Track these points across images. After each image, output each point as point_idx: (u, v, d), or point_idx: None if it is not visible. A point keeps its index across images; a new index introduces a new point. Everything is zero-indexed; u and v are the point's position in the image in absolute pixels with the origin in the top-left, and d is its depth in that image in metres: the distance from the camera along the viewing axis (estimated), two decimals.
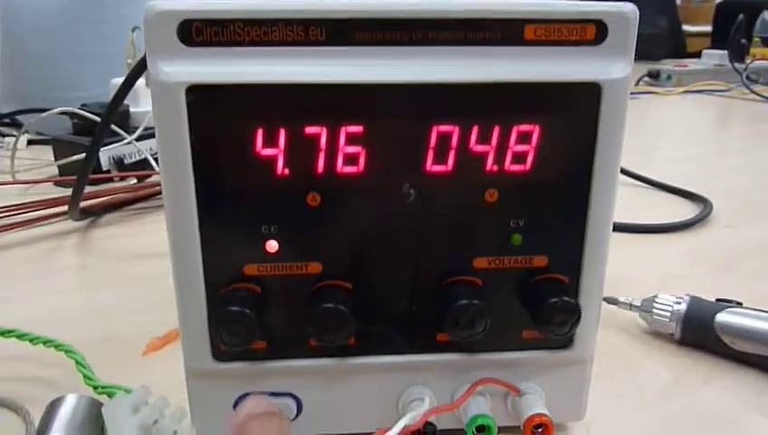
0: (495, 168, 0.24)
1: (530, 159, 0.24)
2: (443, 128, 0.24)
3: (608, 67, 0.23)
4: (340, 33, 0.23)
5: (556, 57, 0.23)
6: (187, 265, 0.24)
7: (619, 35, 0.23)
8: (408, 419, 0.25)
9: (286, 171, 0.24)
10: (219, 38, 0.22)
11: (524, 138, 0.24)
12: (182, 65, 0.22)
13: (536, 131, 0.24)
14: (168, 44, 0.22)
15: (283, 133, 0.23)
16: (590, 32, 0.23)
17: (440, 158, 0.24)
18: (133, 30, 0.71)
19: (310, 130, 0.23)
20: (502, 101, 0.24)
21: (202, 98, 0.22)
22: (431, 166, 0.24)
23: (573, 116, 0.24)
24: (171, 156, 0.23)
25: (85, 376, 0.29)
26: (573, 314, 0.25)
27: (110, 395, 0.28)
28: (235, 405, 0.27)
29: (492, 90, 0.23)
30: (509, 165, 0.24)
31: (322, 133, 0.23)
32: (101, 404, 0.28)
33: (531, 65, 0.23)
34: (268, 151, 0.23)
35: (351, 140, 0.24)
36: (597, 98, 0.24)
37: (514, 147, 0.24)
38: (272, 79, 0.22)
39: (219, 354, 0.26)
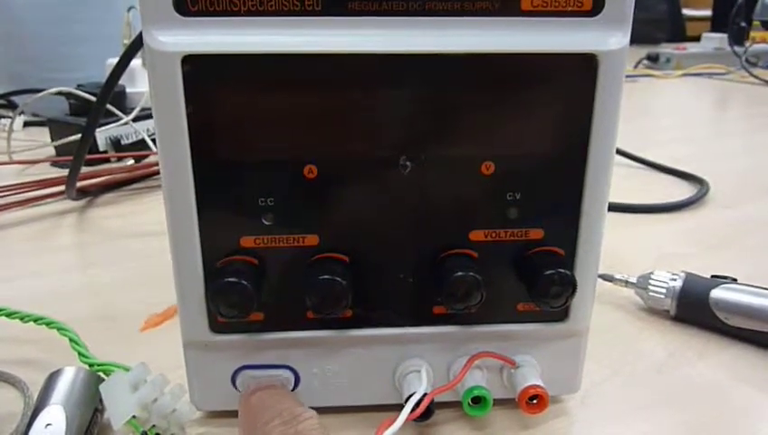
0: (492, 140, 0.24)
1: (526, 130, 0.24)
2: (439, 99, 0.24)
3: (604, 38, 0.23)
4: (336, 3, 0.22)
5: (553, 28, 0.23)
6: (184, 237, 0.24)
7: (615, 6, 0.23)
8: (410, 407, 0.25)
9: (283, 143, 0.24)
10: (215, 7, 0.22)
11: (521, 109, 0.24)
12: (177, 35, 0.22)
13: (533, 103, 0.24)
14: (164, 14, 0.22)
15: (279, 104, 0.23)
16: (587, 2, 0.23)
17: (437, 129, 0.24)
18: (129, 10, 0.71)
19: (306, 100, 0.23)
20: (498, 73, 0.24)
21: (198, 68, 0.22)
22: (428, 137, 0.24)
23: (570, 88, 0.24)
24: (167, 127, 0.23)
25: (80, 354, 0.29)
26: (569, 286, 0.25)
27: (105, 372, 0.28)
28: (233, 379, 0.27)
29: (488, 61, 0.23)
30: (505, 137, 0.24)
31: (319, 104, 0.23)
32: (100, 376, 0.28)
33: (527, 36, 0.23)
34: (264, 122, 0.23)
35: (348, 111, 0.24)
36: (593, 69, 0.23)
37: (511, 118, 0.24)
38: (267, 49, 0.22)
39: (217, 326, 0.26)
